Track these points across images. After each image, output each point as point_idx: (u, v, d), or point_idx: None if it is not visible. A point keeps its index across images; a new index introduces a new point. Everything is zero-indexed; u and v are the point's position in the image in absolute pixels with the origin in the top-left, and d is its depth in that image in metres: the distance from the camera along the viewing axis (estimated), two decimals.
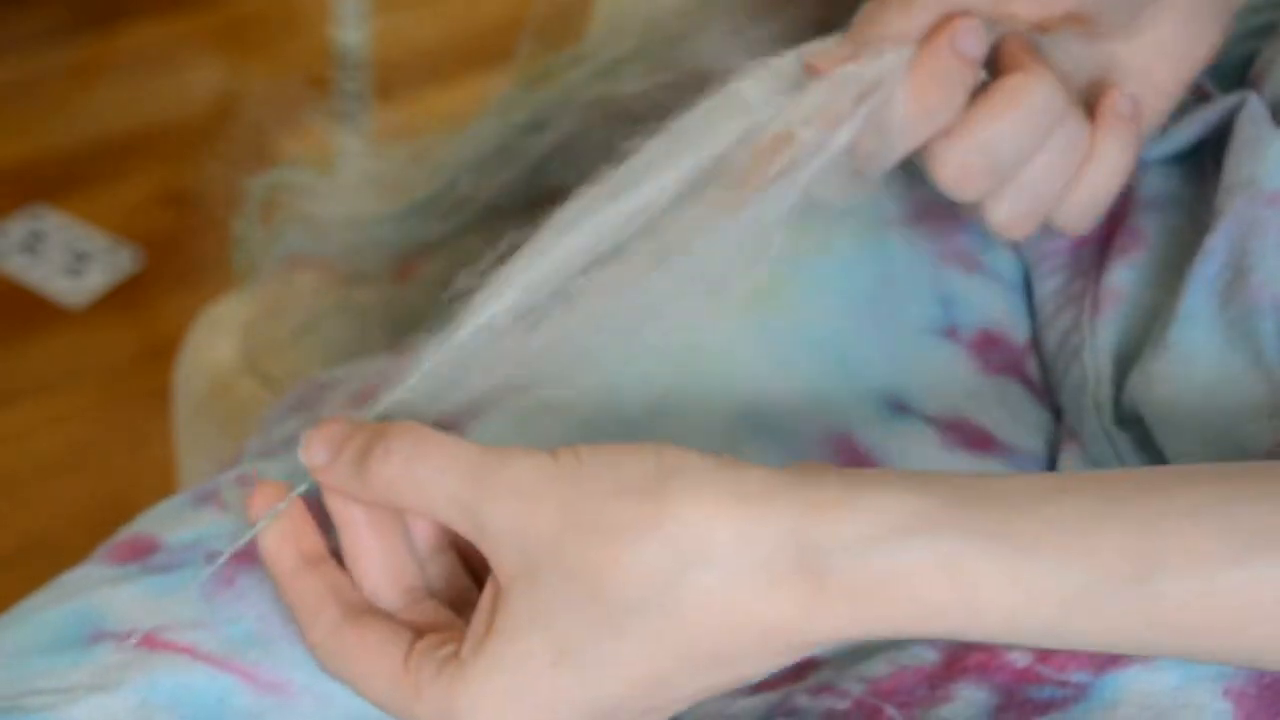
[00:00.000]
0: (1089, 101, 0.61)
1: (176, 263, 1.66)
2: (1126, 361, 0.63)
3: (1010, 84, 0.58)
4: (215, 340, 0.96)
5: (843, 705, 0.55)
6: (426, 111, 1.76)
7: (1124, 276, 0.64)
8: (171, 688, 0.54)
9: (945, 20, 0.58)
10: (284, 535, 0.53)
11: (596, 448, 0.50)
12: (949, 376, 0.65)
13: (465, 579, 0.55)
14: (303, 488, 0.54)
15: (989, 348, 0.67)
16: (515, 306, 0.55)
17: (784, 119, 0.56)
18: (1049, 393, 0.67)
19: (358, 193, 0.86)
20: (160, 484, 0.64)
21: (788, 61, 0.58)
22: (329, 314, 0.87)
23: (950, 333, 0.66)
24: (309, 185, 0.85)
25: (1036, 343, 0.68)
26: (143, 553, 0.58)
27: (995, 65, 0.60)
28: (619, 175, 0.56)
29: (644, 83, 0.83)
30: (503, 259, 0.56)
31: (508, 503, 0.49)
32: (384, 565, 0.53)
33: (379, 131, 1.62)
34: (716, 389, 0.62)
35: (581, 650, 0.48)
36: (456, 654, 0.50)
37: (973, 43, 0.58)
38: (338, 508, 0.53)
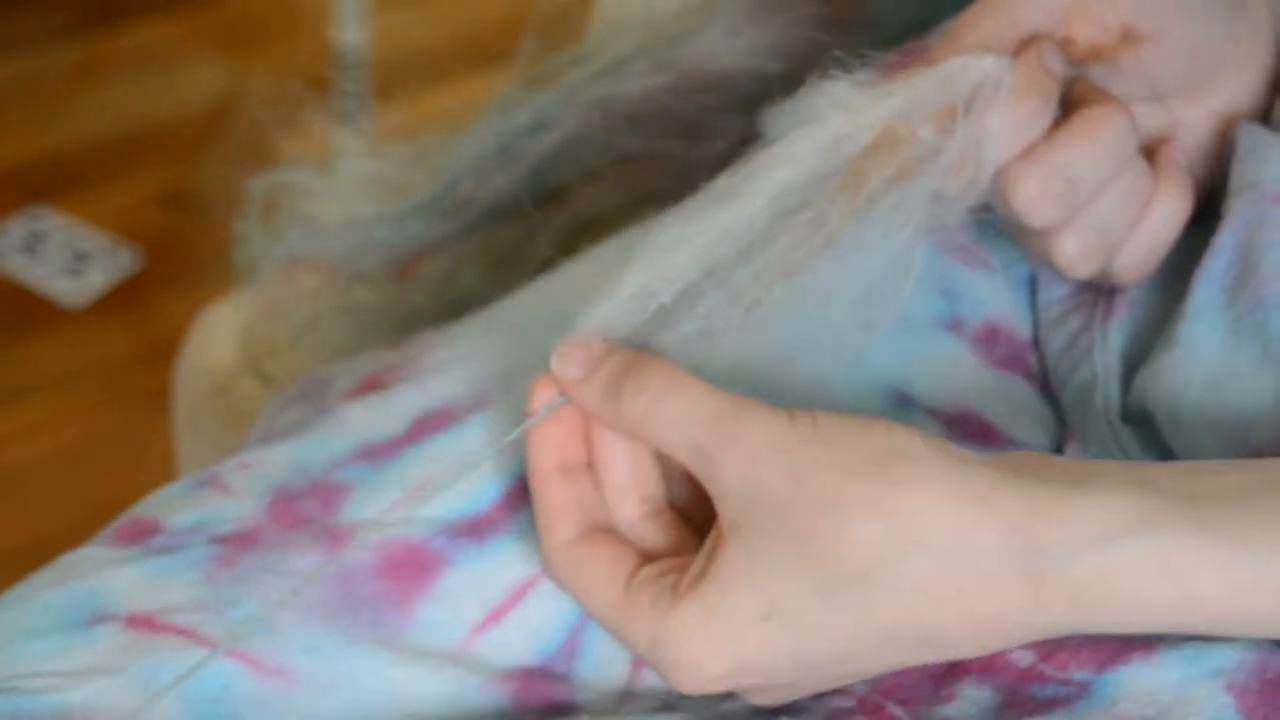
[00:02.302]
0: (1147, 156, 0.62)
1: (176, 263, 1.66)
2: (1134, 364, 0.63)
3: (1091, 113, 0.60)
4: (215, 340, 0.96)
5: (847, 704, 0.55)
6: (426, 111, 1.76)
7: (1138, 286, 0.65)
8: (174, 672, 0.54)
9: (1026, 41, 0.59)
10: (552, 434, 0.54)
11: (832, 416, 0.50)
12: (953, 369, 0.65)
13: (713, 513, 0.55)
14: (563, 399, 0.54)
15: (993, 342, 0.67)
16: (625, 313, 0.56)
17: (887, 110, 0.56)
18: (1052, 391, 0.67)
19: (358, 193, 0.86)
20: (160, 484, 0.64)
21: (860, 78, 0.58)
22: (329, 314, 0.87)
23: (954, 325, 0.66)
24: (309, 185, 0.85)
25: (1038, 342, 0.68)
26: (144, 535, 0.58)
27: (1067, 107, 0.60)
28: (713, 191, 0.56)
29: (644, 83, 0.83)
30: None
31: (740, 457, 0.50)
32: (628, 471, 0.54)
33: (379, 131, 1.62)
34: (720, 381, 0.62)
35: (793, 611, 0.49)
36: (675, 588, 0.51)
37: (1057, 61, 0.59)
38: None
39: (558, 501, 0.54)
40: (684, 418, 0.51)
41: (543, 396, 0.55)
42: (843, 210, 0.55)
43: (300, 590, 0.56)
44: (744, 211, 0.56)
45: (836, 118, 0.56)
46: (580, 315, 0.56)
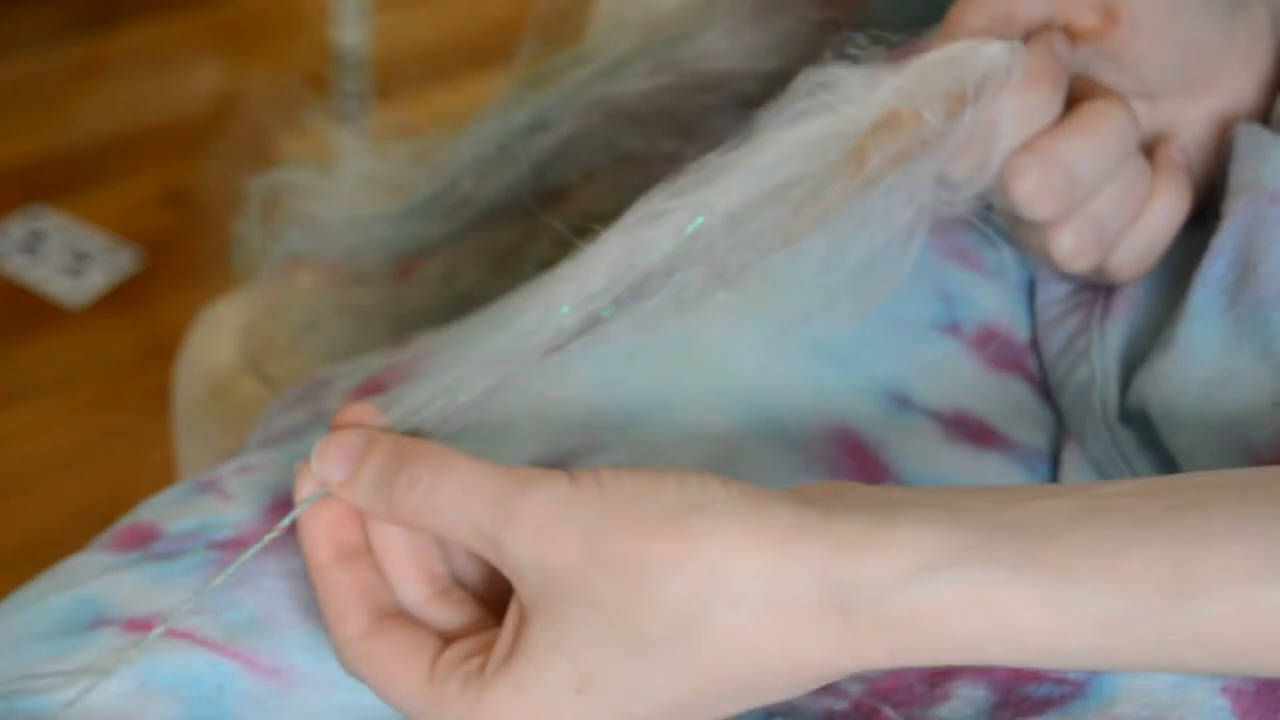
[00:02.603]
0: (1146, 154, 0.62)
1: (176, 263, 1.66)
2: (1133, 364, 0.63)
3: (1092, 107, 0.59)
4: (215, 340, 0.96)
5: (841, 705, 0.55)
6: (426, 111, 1.76)
7: (1136, 285, 0.65)
8: (171, 671, 0.54)
9: (1035, 30, 0.60)
10: (323, 524, 0.52)
11: (618, 472, 0.49)
12: (951, 372, 0.65)
13: (503, 582, 0.54)
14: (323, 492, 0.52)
15: (991, 344, 0.67)
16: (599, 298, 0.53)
17: (893, 90, 0.55)
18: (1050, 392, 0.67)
19: (358, 193, 0.86)
20: (160, 484, 0.64)
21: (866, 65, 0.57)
22: (329, 314, 0.87)
23: (952, 329, 0.66)
24: (309, 185, 0.85)
25: (1036, 344, 0.68)
26: (144, 540, 0.59)
27: (1068, 102, 0.60)
28: (698, 175, 0.55)
29: (644, 83, 0.83)
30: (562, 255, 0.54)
31: (526, 533, 0.48)
32: (407, 553, 0.52)
33: (379, 131, 1.62)
34: (718, 384, 0.62)
35: (607, 679, 0.48)
36: (481, 670, 0.49)
37: (1065, 50, 0.59)
38: None
39: (341, 593, 0.51)
40: (461, 505, 0.49)
41: (306, 486, 0.52)
42: (840, 188, 0.54)
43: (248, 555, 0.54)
44: (732, 189, 0.54)
45: (840, 104, 0.55)
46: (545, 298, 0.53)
